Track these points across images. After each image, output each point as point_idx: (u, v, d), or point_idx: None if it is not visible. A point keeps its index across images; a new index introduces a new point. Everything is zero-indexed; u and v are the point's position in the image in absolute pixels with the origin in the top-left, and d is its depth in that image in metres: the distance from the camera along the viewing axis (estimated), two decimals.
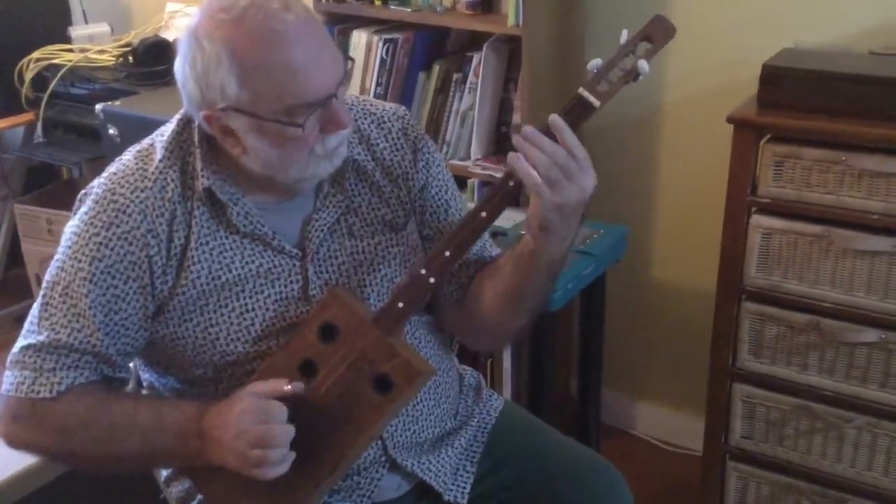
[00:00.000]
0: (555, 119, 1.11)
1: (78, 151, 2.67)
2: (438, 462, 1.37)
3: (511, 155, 1.12)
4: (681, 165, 2.24)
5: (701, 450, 2.02)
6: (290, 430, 1.14)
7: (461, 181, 2.22)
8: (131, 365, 1.31)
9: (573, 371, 2.25)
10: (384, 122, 1.35)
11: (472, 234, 1.18)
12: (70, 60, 2.72)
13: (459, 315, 1.38)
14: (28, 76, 2.72)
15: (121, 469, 1.25)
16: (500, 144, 2.26)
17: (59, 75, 2.68)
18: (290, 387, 1.15)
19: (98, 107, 2.37)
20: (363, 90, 2.31)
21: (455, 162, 2.24)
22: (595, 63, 1.13)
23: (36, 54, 2.73)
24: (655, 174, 2.29)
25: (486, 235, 1.42)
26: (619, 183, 2.31)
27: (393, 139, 1.35)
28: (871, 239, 1.67)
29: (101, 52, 2.78)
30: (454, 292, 1.37)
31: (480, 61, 2.16)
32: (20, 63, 2.72)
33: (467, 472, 1.40)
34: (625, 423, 2.52)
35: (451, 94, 2.24)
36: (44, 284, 1.23)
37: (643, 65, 1.12)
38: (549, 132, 1.11)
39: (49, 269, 1.23)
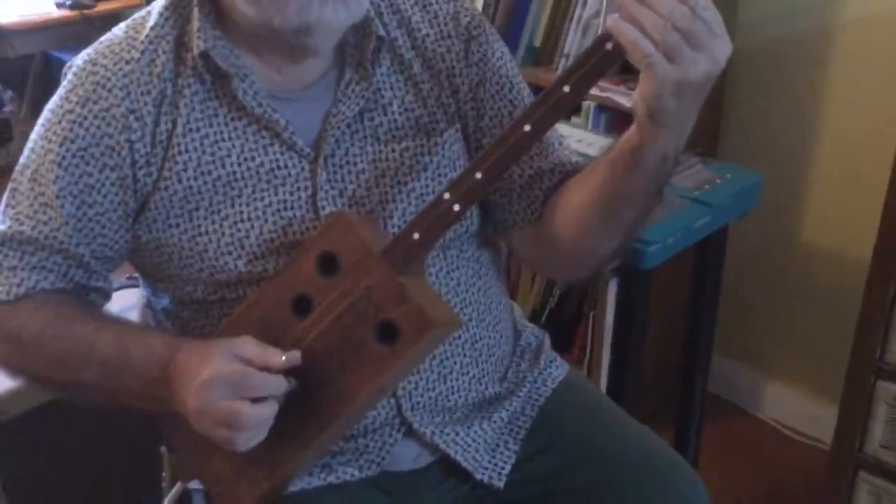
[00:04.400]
0: None
1: None
2: (469, 435, 1.11)
3: (612, 17, 0.83)
4: (845, 103, 1.85)
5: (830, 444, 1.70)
6: (265, 411, 0.91)
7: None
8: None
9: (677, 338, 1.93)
10: (430, 5, 1.09)
11: (512, 150, 0.90)
12: None
13: (533, 238, 1.11)
14: None
15: (85, 399, 1.07)
16: (625, 61, 1.91)
17: None
18: (283, 358, 0.92)
19: None
20: None
21: None
22: None
23: None
24: (810, 112, 1.90)
25: (563, 140, 1.13)
26: (760, 118, 1.94)
27: (439, 25, 1.08)
28: None
29: None
30: (526, 210, 1.10)
31: None
32: None
33: (509, 449, 1.14)
34: (746, 401, 2.22)
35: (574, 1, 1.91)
36: (15, 168, 1.05)
37: None
38: None
39: (23, 152, 1.04)
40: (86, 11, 2.56)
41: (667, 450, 1.17)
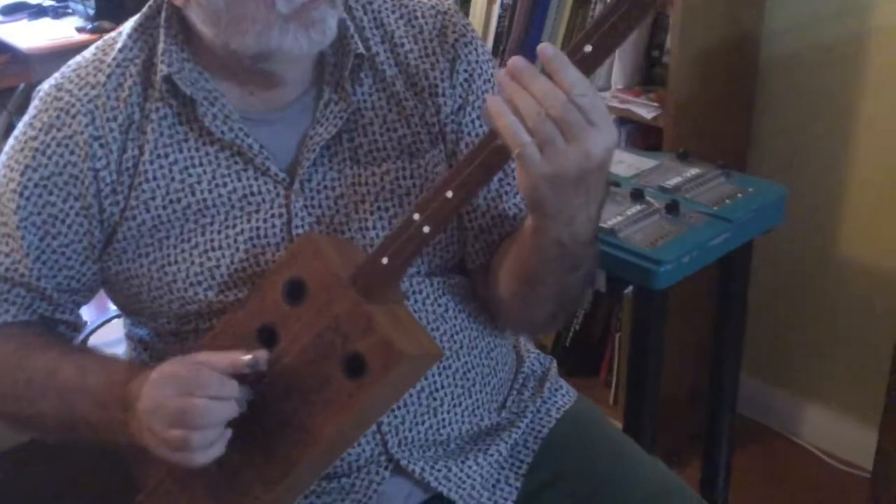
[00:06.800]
0: (544, 49, 0.76)
1: None
2: (464, 470, 1.04)
3: (491, 98, 0.79)
4: (879, 112, 1.74)
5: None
6: (221, 408, 0.84)
7: None
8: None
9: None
10: (415, 19, 1.03)
11: (484, 166, 0.83)
12: None
13: (483, 284, 1.04)
14: None
15: (45, 434, 1.03)
16: (648, 72, 1.84)
17: None
18: (249, 357, 0.85)
19: None
20: (489, 0, 1.96)
21: None
22: None
23: None
24: (843, 121, 1.80)
25: None
26: (790, 129, 1.85)
27: (424, 41, 1.02)
28: None
29: None
30: (479, 252, 1.04)
31: None
32: None
33: (509, 485, 1.06)
34: (782, 425, 2.10)
35: (593, 7, 1.84)
36: None
37: None
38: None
39: None
40: (106, 35, 2.56)
41: (681, 485, 1.09)
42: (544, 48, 0.76)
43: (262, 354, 0.87)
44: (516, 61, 0.77)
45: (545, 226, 0.86)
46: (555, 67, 0.76)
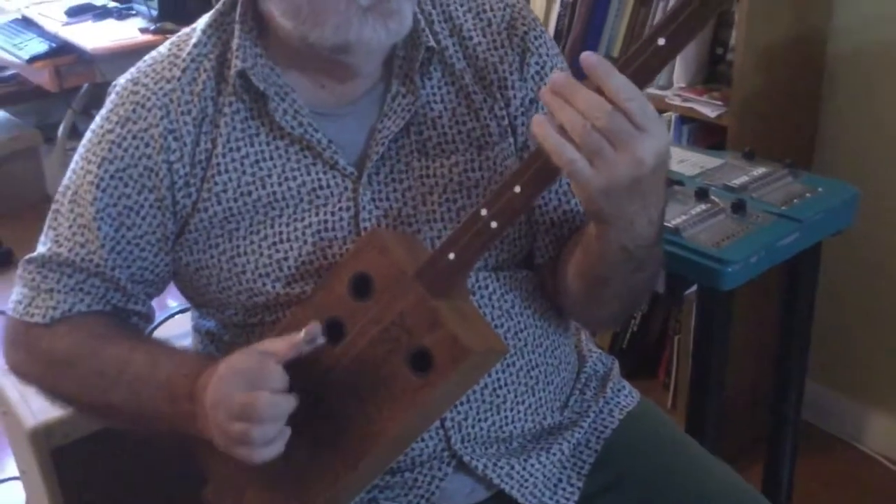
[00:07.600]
0: (587, 57, 0.75)
1: None
2: (526, 468, 1.04)
3: (536, 118, 0.78)
4: None
5: None
6: (281, 402, 0.84)
7: None
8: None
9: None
10: (484, 11, 1.02)
11: (552, 163, 0.81)
12: None
13: (551, 276, 1.04)
14: None
15: (116, 424, 1.05)
16: (711, 70, 1.81)
17: None
18: (303, 333, 0.85)
19: None
20: None
21: (652, 91, 1.83)
22: None
23: None
24: None
25: None
26: (855, 130, 1.79)
27: (493, 34, 1.02)
28: None
29: None
30: (549, 247, 1.03)
31: None
32: None
33: (572, 485, 1.06)
34: (848, 433, 2.05)
35: (655, 4, 1.82)
36: (58, 190, 1.04)
37: None
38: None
39: (66, 173, 1.04)
40: (169, 35, 2.61)
41: (748, 488, 1.07)
42: (587, 56, 0.76)
43: (315, 327, 0.85)
44: (557, 77, 0.77)
45: (606, 232, 0.85)
46: (599, 75, 0.75)
